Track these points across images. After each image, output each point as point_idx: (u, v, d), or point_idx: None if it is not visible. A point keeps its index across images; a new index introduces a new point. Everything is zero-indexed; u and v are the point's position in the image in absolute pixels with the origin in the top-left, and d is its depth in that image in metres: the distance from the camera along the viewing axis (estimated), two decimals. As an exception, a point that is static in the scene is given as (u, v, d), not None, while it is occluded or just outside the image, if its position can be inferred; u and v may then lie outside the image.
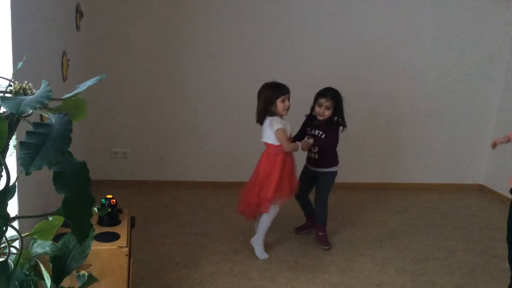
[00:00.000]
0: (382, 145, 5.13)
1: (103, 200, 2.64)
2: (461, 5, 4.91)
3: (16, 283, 1.30)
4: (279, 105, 3.32)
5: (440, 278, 3.30)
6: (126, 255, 2.34)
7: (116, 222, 2.61)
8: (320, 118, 3.57)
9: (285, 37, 4.74)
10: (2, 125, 1.05)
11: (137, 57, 4.61)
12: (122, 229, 2.54)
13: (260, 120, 3.41)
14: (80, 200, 1.03)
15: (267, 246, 3.58)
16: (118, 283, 2.34)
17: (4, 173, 1.12)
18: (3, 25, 1.96)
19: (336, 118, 3.57)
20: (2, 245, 1.19)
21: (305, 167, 3.82)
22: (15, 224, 1.21)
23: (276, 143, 3.37)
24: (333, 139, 3.61)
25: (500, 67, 5.12)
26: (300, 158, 3.69)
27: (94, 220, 2.52)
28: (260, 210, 3.47)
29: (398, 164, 5.20)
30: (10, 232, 1.18)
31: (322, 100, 3.53)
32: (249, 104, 4.21)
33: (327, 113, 3.53)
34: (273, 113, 3.35)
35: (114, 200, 2.66)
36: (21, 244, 1.20)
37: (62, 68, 3.04)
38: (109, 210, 2.54)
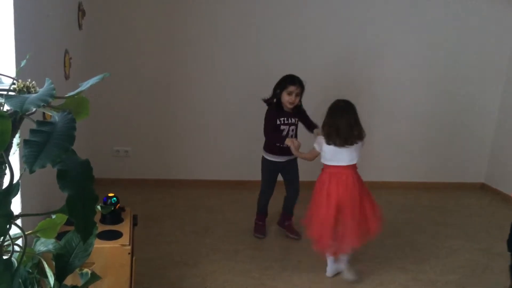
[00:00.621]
0: (383, 143, 5.11)
1: (114, 198, 2.65)
2: (462, 5, 4.90)
3: (20, 281, 1.30)
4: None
5: (441, 277, 3.30)
6: (129, 253, 2.35)
7: (118, 220, 2.62)
8: (290, 106, 3.51)
9: (289, 36, 4.74)
10: (6, 123, 1.05)
11: (139, 55, 4.61)
12: (124, 228, 2.54)
13: (348, 141, 3.04)
14: (83, 198, 1.03)
15: (269, 245, 3.58)
16: (121, 281, 2.34)
17: (7, 171, 1.13)
18: (6, 23, 1.96)
19: (300, 102, 3.58)
20: (6, 243, 1.19)
21: (274, 163, 3.70)
22: (18, 222, 1.21)
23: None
24: (310, 120, 3.65)
25: (501, 66, 5.12)
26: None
27: (96, 218, 2.52)
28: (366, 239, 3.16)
29: (399, 162, 5.19)
30: (14, 230, 1.18)
31: (293, 88, 3.48)
32: (251, 103, 4.22)
33: (297, 100, 3.51)
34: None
35: (116, 199, 2.66)
36: (25, 242, 1.20)
37: (65, 66, 3.05)
38: (112, 208, 2.55)
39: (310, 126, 3.64)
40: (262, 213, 3.85)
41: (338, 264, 3.21)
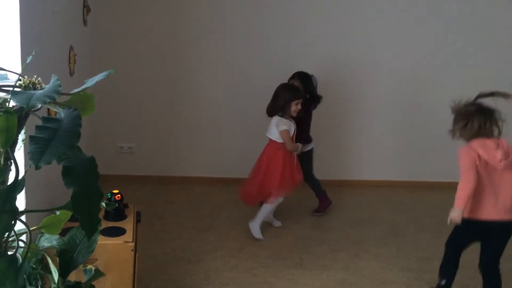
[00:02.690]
0: (387, 143, 5.10)
1: (109, 194, 2.65)
2: (466, 4, 4.88)
3: (24, 276, 1.31)
4: (293, 106, 3.68)
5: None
6: (132, 250, 2.35)
7: (122, 217, 2.62)
8: (294, 115, 3.78)
9: (289, 36, 4.73)
10: (12, 119, 1.05)
11: (143, 52, 4.61)
12: (128, 224, 2.54)
13: (271, 114, 3.75)
14: (88, 194, 1.03)
15: (272, 243, 3.58)
16: (124, 277, 2.34)
17: (13, 167, 1.13)
18: (12, 19, 1.96)
19: (308, 96, 3.95)
20: (10, 239, 1.20)
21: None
22: (23, 218, 1.22)
23: (279, 140, 3.72)
24: (307, 118, 4.06)
25: (505, 67, 5.07)
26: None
27: (100, 214, 2.52)
28: (262, 198, 3.83)
29: (404, 162, 5.17)
30: (18, 226, 1.19)
31: (291, 81, 3.95)
32: (254, 101, 4.23)
33: (300, 107, 3.82)
34: (283, 113, 3.70)
35: (119, 195, 2.67)
36: (30, 238, 1.20)
37: (69, 62, 3.05)
38: (117, 205, 2.55)
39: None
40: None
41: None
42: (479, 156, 2.68)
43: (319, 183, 4.22)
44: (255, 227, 3.72)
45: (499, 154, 2.65)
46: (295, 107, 3.69)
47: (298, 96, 3.72)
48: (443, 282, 2.93)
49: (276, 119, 3.70)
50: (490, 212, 2.73)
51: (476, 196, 2.73)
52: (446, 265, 2.97)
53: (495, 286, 2.86)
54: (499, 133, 2.74)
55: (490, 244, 2.86)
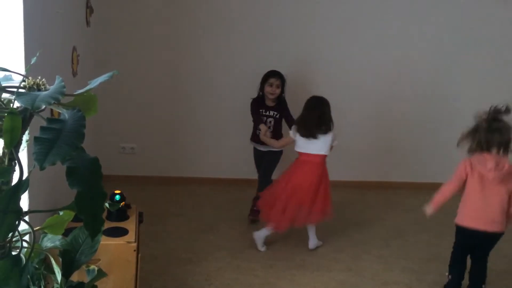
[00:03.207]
0: (389, 144, 5.10)
1: (118, 196, 2.65)
2: (466, 4, 4.88)
3: (28, 276, 1.31)
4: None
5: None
6: (134, 250, 2.35)
7: (124, 217, 2.62)
8: (271, 96, 3.94)
9: (295, 37, 4.75)
10: (16, 120, 1.06)
11: (146, 53, 4.62)
12: (130, 225, 2.55)
13: (326, 131, 3.46)
14: (92, 195, 1.04)
15: (274, 243, 3.59)
16: (126, 278, 2.35)
17: (17, 167, 1.14)
18: (16, 20, 1.97)
19: (283, 94, 4.00)
20: (14, 239, 1.20)
21: (255, 149, 4.18)
22: (26, 218, 1.23)
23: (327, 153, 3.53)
24: (291, 117, 3.93)
25: (507, 69, 5.07)
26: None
27: (103, 215, 2.53)
28: (309, 221, 3.57)
29: (405, 163, 5.17)
30: (22, 226, 1.19)
31: (272, 80, 3.93)
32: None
33: (278, 91, 3.94)
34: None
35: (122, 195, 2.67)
36: (33, 238, 1.21)
37: (72, 63, 3.06)
38: (120, 205, 2.55)
39: (288, 121, 3.97)
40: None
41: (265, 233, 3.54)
42: (472, 169, 2.87)
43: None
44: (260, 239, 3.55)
45: (490, 164, 2.78)
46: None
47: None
48: (450, 278, 3.10)
49: (331, 135, 3.47)
50: (477, 222, 2.90)
51: (468, 205, 2.95)
52: (453, 264, 3.12)
53: (482, 274, 3.03)
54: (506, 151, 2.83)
55: (481, 248, 3.02)
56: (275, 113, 4.01)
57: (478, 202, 2.89)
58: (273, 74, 3.95)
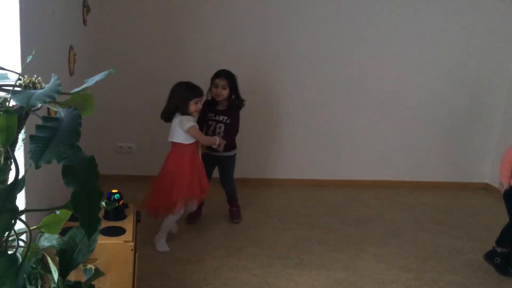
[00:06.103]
0: (387, 143, 5.11)
1: (117, 195, 2.65)
2: (466, 6, 4.88)
3: (24, 276, 1.31)
4: (192, 106, 3.37)
5: (444, 276, 3.30)
6: (132, 250, 2.35)
7: (122, 216, 2.62)
8: (218, 98, 3.69)
9: (291, 37, 4.75)
10: (12, 118, 1.06)
11: (143, 51, 4.61)
12: (128, 224, 2.54)
13: (167, 117, 3.43)
14: (88, 194, 1.04)
15: (271, 243, 3.58)
16: (124, 277, 2.35)
17: (13, 166, 1.13)
18: (12, 18, 1.96)
19: (233, 96, 3.72)
20: (10, 238, 1.20)
21: (207, 155, 3.78)
22: (23, 217, 1.22)
23: (186, 142, 3.40)
24: (236, 125, 3.80)
25: (507, 67, 5.09)
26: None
27: (100, 214, 2.53)
28: (169, 211, 3.41)
29: (403, 162, 5.18)
30: (18, 225, 1.19)
31: (217, 80, 3.67)
32: (254, 101, 4.23)
33: (224, 92, 3.67)
34: (184, 113, 3.38)
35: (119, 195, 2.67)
36: (30, 237, 1.20)
37: (69, 62, 3.05)
38: (117, 204, 2.55)
39: (230, 128, 3.77)
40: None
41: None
42: None
43: (236, 190, 4.04)
44: (161, 242, 3.41)
45: None
46: (194, 106, 3.37)
47: (199, 94, 3.38)
48: (500, 250, 3.38)
49: (178, 118, 3.36)
50: None
51: None
52: (506, 233, 3.44)
53: None
54: None
55: None
56: (225, 118, 3.74)
57: None
58: (218, 74, 3.69)
